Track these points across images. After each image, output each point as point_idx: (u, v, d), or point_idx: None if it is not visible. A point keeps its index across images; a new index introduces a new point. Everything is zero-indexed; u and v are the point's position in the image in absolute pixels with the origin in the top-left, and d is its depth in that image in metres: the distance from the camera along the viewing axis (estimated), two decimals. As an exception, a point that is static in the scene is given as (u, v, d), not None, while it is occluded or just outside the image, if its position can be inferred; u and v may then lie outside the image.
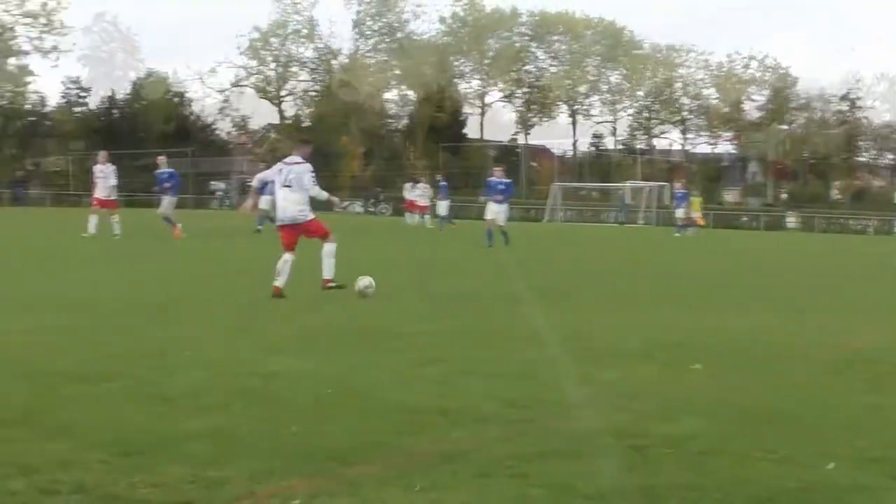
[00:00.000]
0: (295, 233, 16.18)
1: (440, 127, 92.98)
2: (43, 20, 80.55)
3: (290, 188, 16.10)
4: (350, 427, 7.38)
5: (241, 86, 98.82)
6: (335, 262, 16.37)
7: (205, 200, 77.70)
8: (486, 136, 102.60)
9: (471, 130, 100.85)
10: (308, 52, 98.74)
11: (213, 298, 15.39)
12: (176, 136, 76.58)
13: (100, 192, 32.11)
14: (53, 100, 78.81)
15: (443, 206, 51.03)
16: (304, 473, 6.18)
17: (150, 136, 75.97)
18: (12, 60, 80.00)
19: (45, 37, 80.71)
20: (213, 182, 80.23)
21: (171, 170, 33.41)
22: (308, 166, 16.36)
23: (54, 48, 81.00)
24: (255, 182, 17.34)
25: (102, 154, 32.92)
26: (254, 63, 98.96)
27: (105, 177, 32.20)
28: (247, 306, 14.40)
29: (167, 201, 32.75)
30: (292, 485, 5.94)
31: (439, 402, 8.34)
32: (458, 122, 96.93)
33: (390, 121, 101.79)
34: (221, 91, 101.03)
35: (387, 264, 23.56)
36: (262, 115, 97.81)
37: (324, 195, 16.88)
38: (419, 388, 8.92)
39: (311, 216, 16.34)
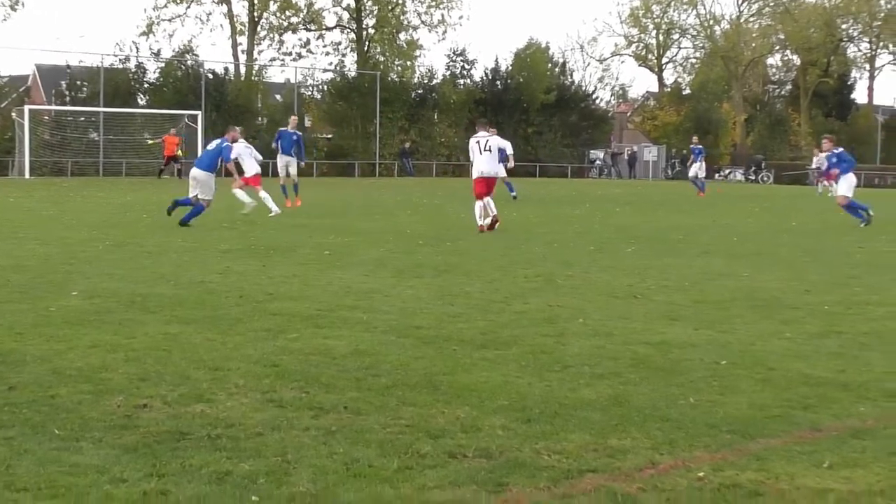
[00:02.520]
0: (489, 185, 22.25)
1: (825, 92, 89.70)
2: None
3: (490, 153, 22.25)
4: (750, 399, 7.18)
5: (621, 54, 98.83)
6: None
7: (583, 170, 78.11)
8: (876, 102, 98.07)
9: (859, 96, 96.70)
10: (690, 19, 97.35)
11: (597, 268, 15.38)
12: (556, 106, 77.33)
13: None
14: (440, 73, 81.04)
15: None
16: (706, 445, 6.05)
17: (532, 106, 76.99)
18: (402, 35, 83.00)
19: (433, 11, 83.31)
20: (592, 151, 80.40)
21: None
22: (498, 138, 23.35)
23: (441, 22, 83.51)
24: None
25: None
26: (634, 31, 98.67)
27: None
28: (633, 273, 14.33)
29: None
30: (695, 456, 5.83)
31: (839, 376, 8.02)
32: (845, 87, 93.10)
33: (773, 87, 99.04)
34: (601, 60, 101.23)
35: (772, 231, 23.00)
36: (642, 83, 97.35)
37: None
38: (818, 361, 8.60)
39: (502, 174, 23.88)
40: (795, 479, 5.46)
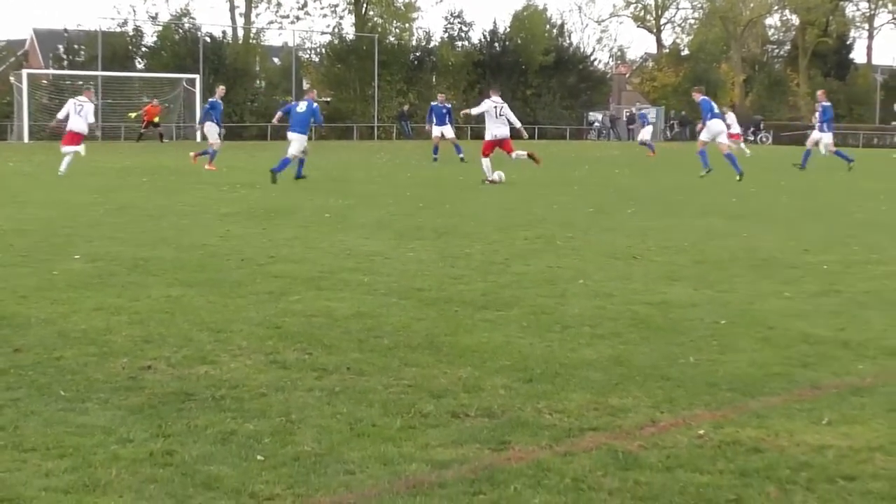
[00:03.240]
0: (501, 145, 24.82)
1: (824, 52, 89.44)
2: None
3: (503, 117, 24.69)
4: (750, 357, 7.24)
5: (619, 15, 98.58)
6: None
7: (582, 132, 78.01)
8: (875, 62, 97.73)
9: (857, 56, 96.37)
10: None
11: (597, 229, 15.42)
12: (554, 68, 77.13)
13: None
14: (437, 35, 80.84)
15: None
16: (706, 404, 6.10)
17: (530, 68, 76.84)
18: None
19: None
20: (591, 113, 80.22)
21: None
22: (505, 105, 25.14)
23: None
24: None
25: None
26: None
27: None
28: (633, 234, 14.36)
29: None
30: (696, 414, 5.88)
31: (839, 334, 8.08)
32: (844, 46, 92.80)
33: (772, 47, 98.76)
34: (599, 21, 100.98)
35: (771, 192, 23.03)
36: (640, 44, 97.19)
37: (518, 124, 25.56)
38: (818, 320, 8.65)
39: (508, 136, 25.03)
40: (795, 435, 5.51)
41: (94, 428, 5.48)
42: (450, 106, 40.88)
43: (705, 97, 28.92)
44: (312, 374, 6.61)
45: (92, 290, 9.55)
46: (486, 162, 24.95)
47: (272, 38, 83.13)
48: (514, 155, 25.27)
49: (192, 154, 32.25)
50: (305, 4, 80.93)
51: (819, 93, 34.72)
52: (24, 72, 58.02)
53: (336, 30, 78.61)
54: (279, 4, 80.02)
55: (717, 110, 28.74)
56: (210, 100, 33.02)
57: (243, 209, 17.53)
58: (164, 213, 16.70)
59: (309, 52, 77.62)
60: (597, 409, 5.95)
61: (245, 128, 65.92)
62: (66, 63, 64.84)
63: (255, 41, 74.91)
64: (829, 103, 33.18)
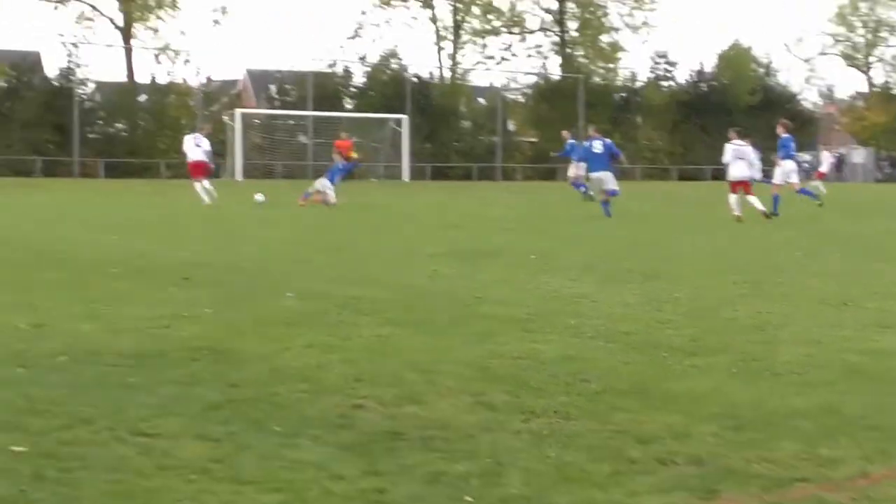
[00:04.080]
0: (741, 185, 26.42)
1: None
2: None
3: (742, 160, 26.53)
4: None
5: (827, 53, 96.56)
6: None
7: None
8: None
9: None
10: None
11: (806, 273, 15.10)
12: (761, 108, 75.98)
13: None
14: (643, 75, 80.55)
15: None
16: (926, 458, 5.92)
17: (736, 108, 75.90)
18: (604, 38, 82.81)
19: (636, 13, 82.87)
20: (799, 154, 78.69)
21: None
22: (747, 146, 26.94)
23: (644, 24, 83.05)
24: None
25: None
26: (841, 30, 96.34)
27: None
28: (843, 279, 14.02)
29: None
30: (910, 468, 5.72)
31: None
32: None
33: None
34: (807, 60, 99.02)
35: None
36: (849, 83, 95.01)
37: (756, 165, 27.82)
38: None
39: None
40: None
41: (306, 464, 5.62)
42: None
43: None
44: (520, 417, 6.65)
45: (304, 328, 9.80)
46: (731, 199, 26.34)
47: (478, 79, 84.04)
48: (750, 199, 26.55)
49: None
50: (511, 46, 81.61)
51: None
52: (238, 111, 60.03)
53: (541, 70, 79.06)
54: (485, 46, 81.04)
55: None
56: None
57: (450, 249, 17.73)
58: (375, 253, 17.03)
59: (514, 92, 78.20)
60: (807, 460, 5.84)
61: (451, 168, 66.73)
62: (277, 103, 66.81)
63: (461, 81, 75.84)
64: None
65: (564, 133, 43.14)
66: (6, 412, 6.48)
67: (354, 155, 55.50)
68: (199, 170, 32.10)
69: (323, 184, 32.01)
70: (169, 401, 6.88)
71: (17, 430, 6.11)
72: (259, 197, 31.98)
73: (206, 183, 31.56)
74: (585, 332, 9.79)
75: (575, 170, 38.19)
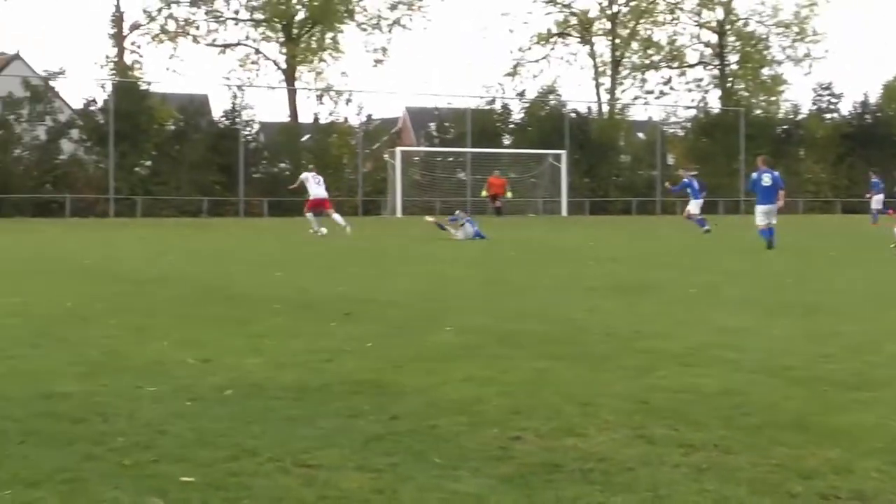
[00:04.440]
0: None
1: None
2: (795, 28, 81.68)
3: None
4: None
5: None
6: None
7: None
8: None
9: None
10: None
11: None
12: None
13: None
14: (805, 107, 79.26)
15: None
16: None
17: (900, 140, 74.25)
18: (766, 71, 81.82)
19: (798, 45, 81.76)
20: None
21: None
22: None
23: (807, 55, 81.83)
24: None
25: None
26: None
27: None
28: None
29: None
30: None
31: None
32: None
33: None
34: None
35: None
36: None
37: None
38: None
39: None
40: None
41: (466, 495, 5.67)
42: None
43: None
44: (679, 451, 6.61)
45: (462, 361, 9.88)
46: None
47: (637, 113, 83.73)
48: None
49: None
50: (670, 80, 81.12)
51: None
52: (398, 149, 60.83)
53: (701, 104, 78.37)
54: (644, 80, 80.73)
55: None
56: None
57: (609, 283, 17.68)
58: (532, 287, 17.08)
59: (673, 126, 77.67)
60: None
61: (609, 202, 66.51)
62: (436, 140, 67.46)
63: (619, 116, 75.62)
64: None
65: (681, 172, 44.28)
66: (176, 444, 6.69)
67: (509, 194, 55.77)
68: (321, 205, 36.66)
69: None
70: (331, 432, 7.02)
71: (186, 461, 6.30)
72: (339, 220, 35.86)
73: (336, 216, 36.13)
74: (746, 366, 9.68)
75: (695, 208, 38.91)
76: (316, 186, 36.48)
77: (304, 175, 38.18)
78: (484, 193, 55.80)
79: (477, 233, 33.40)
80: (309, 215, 36.43)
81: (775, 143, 72.65)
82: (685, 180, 41.11)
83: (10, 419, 7.33)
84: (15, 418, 7.35)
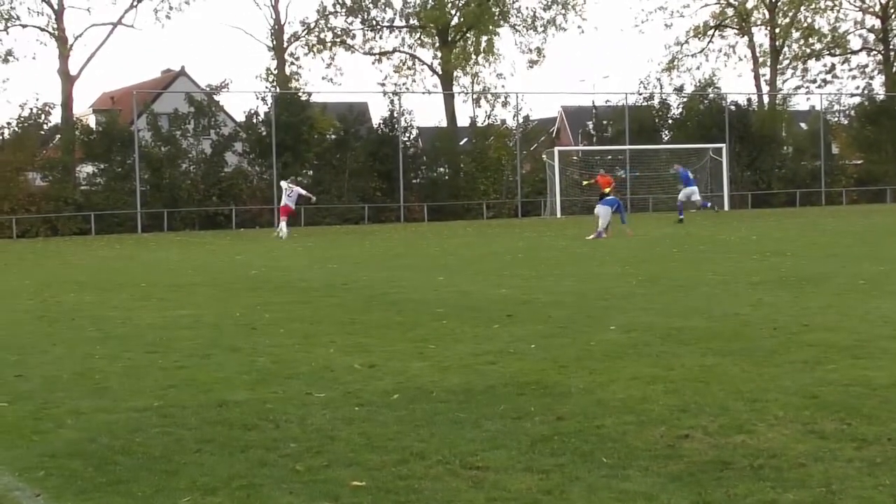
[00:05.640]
0: None
1: None
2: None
3: None
4: None
5: None
6: None
7: None
8: None
9: None
10: None
11: None
12: None
13: None
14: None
15: None
16: None
17: None
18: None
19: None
20: None
21: None
22: None
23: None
24: None
25: None
26: None
27: None
28: None
29: None
30: None
31: None
32: None
33: None
34: None
35: None
36: None
37: None
38: None
39: None
40: None
41: (636, 494, 5.65)
42: None
43: None
44: (852, 445, 6.48)
45: (627, 360, 9.84)
46: None
47: (799, 103, 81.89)
48: None
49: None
50: (833, 68, 79.30)
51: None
52: (556, 149, 60.69)
53: (866, 91, 76.47)
54: (806, 70, 79.01)
55: None
56: None
57: (774, 277, 17.39)
58: (695, 283, 16.89)
59: (837, 115, 75.92)
60: None
61: (772, 195, 65.36)
62: (594, 138, 67.13)
63: (781, 107, 74.19)
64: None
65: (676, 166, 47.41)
66: (346, 449, 6.81)
67: (607, 191, 55.22)
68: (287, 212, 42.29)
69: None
70: (497, 434, 7.06)
71: (357, 465, 6.41)
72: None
73: (282, 225, 41.60)
74: (919, 358, 9.44)
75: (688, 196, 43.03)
76: (287, 197, 41.81)
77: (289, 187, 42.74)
78: (585, 184, 55.77)
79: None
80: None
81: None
82: (681, 171, 45.02)
83: (186, 427, 7.55)
84: (190, 426, 7.57)
